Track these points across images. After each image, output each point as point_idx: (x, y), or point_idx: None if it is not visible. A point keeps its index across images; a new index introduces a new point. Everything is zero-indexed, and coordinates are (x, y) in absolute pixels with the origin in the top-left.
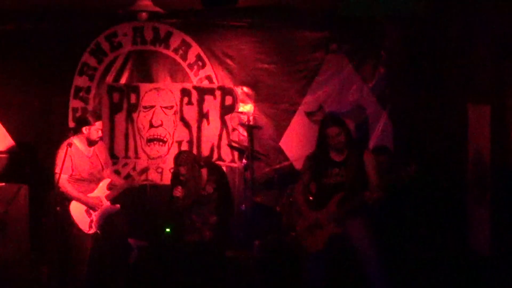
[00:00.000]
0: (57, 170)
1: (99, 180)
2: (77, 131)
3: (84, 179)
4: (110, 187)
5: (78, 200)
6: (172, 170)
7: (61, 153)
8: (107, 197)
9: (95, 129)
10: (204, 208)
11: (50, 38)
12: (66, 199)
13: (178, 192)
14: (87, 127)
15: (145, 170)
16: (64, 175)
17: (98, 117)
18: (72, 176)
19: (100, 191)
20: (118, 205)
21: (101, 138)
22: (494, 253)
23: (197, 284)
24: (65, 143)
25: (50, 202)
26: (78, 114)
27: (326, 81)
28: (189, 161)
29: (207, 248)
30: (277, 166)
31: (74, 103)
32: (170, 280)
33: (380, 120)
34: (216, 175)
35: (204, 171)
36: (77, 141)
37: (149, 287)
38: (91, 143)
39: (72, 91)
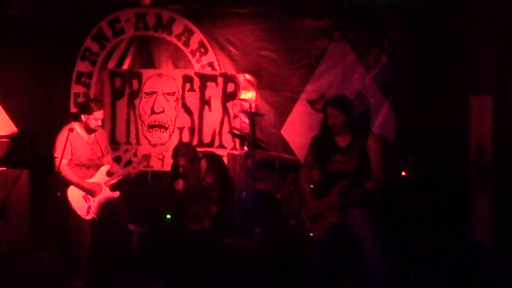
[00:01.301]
0: (57, 154)
1: (98, 166)
2: (77, 117)
3: (83, 165)
4: (109, 173)
5: (77, 185)
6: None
7: (61, 137)
8: (106, 183)
9: (94, 118)
10: (204, 199)
11: (52, 23)
12: (65, 184)
13: (179, 185)
14: (86, 114)
15: (147, 157)
16: (64, 160)
17: (99, 106)
18: (71, 161)
19: (99, 177)
20: (117, 192)
21: (101, 126)
22: (496, 245)
23: (197, 272)
24: (66, 127)
25: (50, 187)
26: (79, 100)
27: (329, 70)
28: (188, 153)
29: (207, 236)
30: (285, 156)
31: (76, 89)
32: (170, 266)
33: (382, 110)
34: (215, 166)
35: (203, 163)
36: (77, 127)
37: (150, 273)
38: (89, 130)
39: (74, 76)
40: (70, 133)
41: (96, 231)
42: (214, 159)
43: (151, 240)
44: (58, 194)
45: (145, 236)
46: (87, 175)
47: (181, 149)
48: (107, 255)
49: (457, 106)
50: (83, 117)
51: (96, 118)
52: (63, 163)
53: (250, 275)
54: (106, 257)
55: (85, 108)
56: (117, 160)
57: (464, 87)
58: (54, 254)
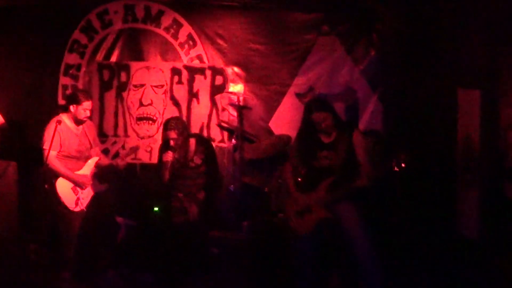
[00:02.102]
0: (45, 146)
1: (87, 158)
2: (66, 108)
3: (72, 157)
4: (97, 165)
5: (66, 177)
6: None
7: (49, 129)
8: (93, 175)
9: (83, 109)
10: (191, 182)
11: (41, 14)
12: (53, 176)
13: (169, 156)
14: (74, 105)
15: (134, 149)
16: (53, 152)
17: (88, 97)
18: (60, 152)
19: (88, 169)
20: (106, 184)
21: (89, 118)
22: (483, 237)
23: (184, 265)
24: (54, 119)
25: (38, 179)
26: (68, 92)
27: (317, 63)
28: (179, 126)
29: (193, 229)
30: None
31: (64, 80)
32: (158, 259)
33: (370, 103)
34: (204, 147)
35: (192, 141)
36: (65, 118)
37: (137, 266)
38: (78, 121)
39: (62, 68)
40: (58, 125)
41: (84, 223)
42: (203, 141)
43: (138, 233)
44: (46, 186)
45: (133, 229)
46: (76, 167)
47: (171, 123)
48: (94, 247)
49: (445, 100)
50: (71, 108)
51: (84, 108)
52: (52, 154)
53: (238, 268)
54: (93, 249)
55: (74, 99)
56: (104, 152)
57: (452, 81)
58: (42, 246)
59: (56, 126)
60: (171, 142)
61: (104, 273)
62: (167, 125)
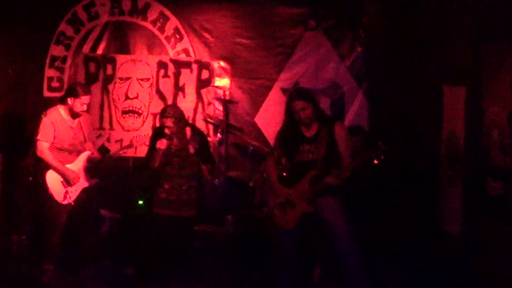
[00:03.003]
0: (39, 137)
1: (79, 152)
2: (64, 100)
3: (64, 149)
4: (89, 160)
5: (56, 169)
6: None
7: (45, 120)
8: (84, 169)
9: (80, 102)
10: (179, 172)
11: (27, 6)
12: (44, 167)
13: (163, 144)
14: (72, 98)
15: (128, 147)
16: (46, 143)
17: (87, 91)
18: (53, 144)
19: (78, 164)
20: (96, 179)
21: (86, 112)
22: (465, 232)
23: (168, 258)
24: (51, 110)
25: (22, 171)
26: (53, 84)
27: (303, 58)
28: (176, 115)
29: (178, 222)
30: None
31: (49, 72)
32: (139, 253)
33: (356, 99)
34: (199, 137)
35: (188, 130)
36: (62, 110)
37: (120, 259)
38: (74, 115)
39: (48, 60)
40: (54, 116)
41: (71, 216)
42: (198, 132)
43: (122, 226)
44: (30, 178)
45: (117, 222)
46: (67, 160)
47: (168, 110)
48: (79, 239)
49: (430, 96)
50: (69, 100)
51: (82, 102)
52: (44, 146)
53: (222, 262)
54: (77, 242)
55: (72, 92)
56: None
57: (438, 78)
58: (24, 237)
59: (51, 117)
60: (167, 130)
61: (87, 266)
62: (164, 112)
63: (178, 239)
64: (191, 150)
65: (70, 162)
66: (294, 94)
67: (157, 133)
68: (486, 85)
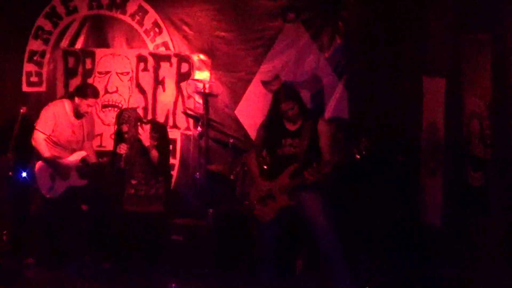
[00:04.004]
0: (38, 126)
1: (74, 150)
2: (72, 97)
3: (60, 144)
4: (82, 160)
5: (48, 161)
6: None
7: (48, 110)
8: (77, 169)
9: (86, 104)
10: (145, 169)
11: (4, 0)
12: (36, 158)
13: (122, 149)
14: (80, 98)
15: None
16: (42, 134)
17: (96, 95)
18: (50, 137)
19: (72, 162)
20: (85, 181)
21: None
22: (445, 224)
23: (145, 253)
24: (56, 102)
25: (3, 166)
26: (32, 78)
27: (283, 50)
28: (131, 119)
29: (147, 217)
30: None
31: (28, 67)
32: (117, 248)
33: (336, 91)
34: (158, 134)
35: (147, 127)
36: (67, 106)
37: (97, 254)
38: (78, 114)
39: (26, 54)
40: (57, 109)
41: (53, 210)
42: (158, 128)
43: (99, 221)
44: (10, 173)
45: (95, 217)
46: (61, 156)
47: (123, 116)
48: (60, 235)
49: (410, 88)
50: (76, 99)
51: (89, 104)
52: (41, 136)
53: (203, 255)
54: (59, 237)
55: (81, 92)
56: None
57: (417, 69)
58: (6, 233)
59: (54, 109)
60: (125, 135)
61: (68, 261)
62: (119, 118)
63: (151, 234)
64: (150, 148)
65: (62, 159)
66: (282, 95)
67: (117, 138)
68: (466, 76)
